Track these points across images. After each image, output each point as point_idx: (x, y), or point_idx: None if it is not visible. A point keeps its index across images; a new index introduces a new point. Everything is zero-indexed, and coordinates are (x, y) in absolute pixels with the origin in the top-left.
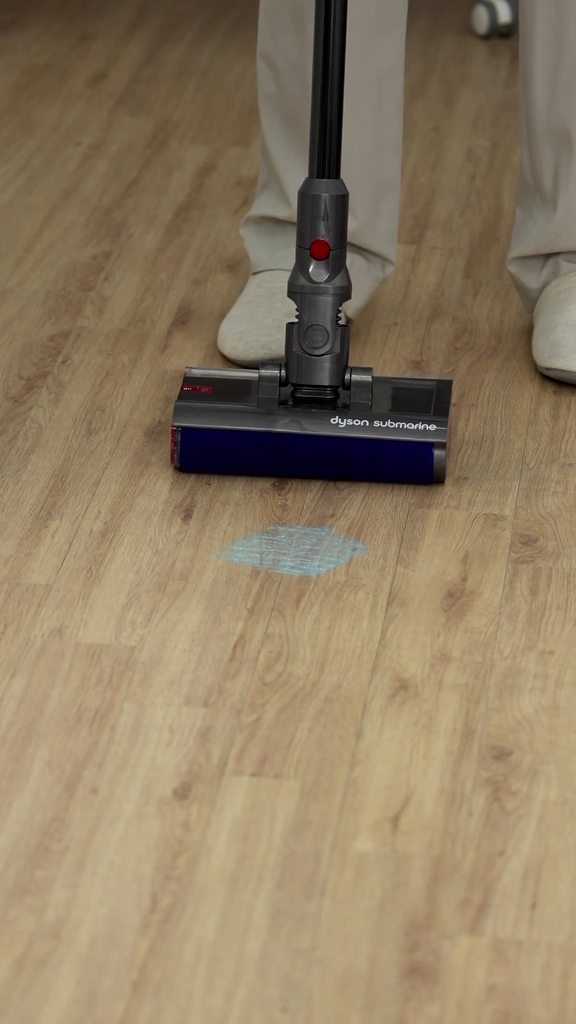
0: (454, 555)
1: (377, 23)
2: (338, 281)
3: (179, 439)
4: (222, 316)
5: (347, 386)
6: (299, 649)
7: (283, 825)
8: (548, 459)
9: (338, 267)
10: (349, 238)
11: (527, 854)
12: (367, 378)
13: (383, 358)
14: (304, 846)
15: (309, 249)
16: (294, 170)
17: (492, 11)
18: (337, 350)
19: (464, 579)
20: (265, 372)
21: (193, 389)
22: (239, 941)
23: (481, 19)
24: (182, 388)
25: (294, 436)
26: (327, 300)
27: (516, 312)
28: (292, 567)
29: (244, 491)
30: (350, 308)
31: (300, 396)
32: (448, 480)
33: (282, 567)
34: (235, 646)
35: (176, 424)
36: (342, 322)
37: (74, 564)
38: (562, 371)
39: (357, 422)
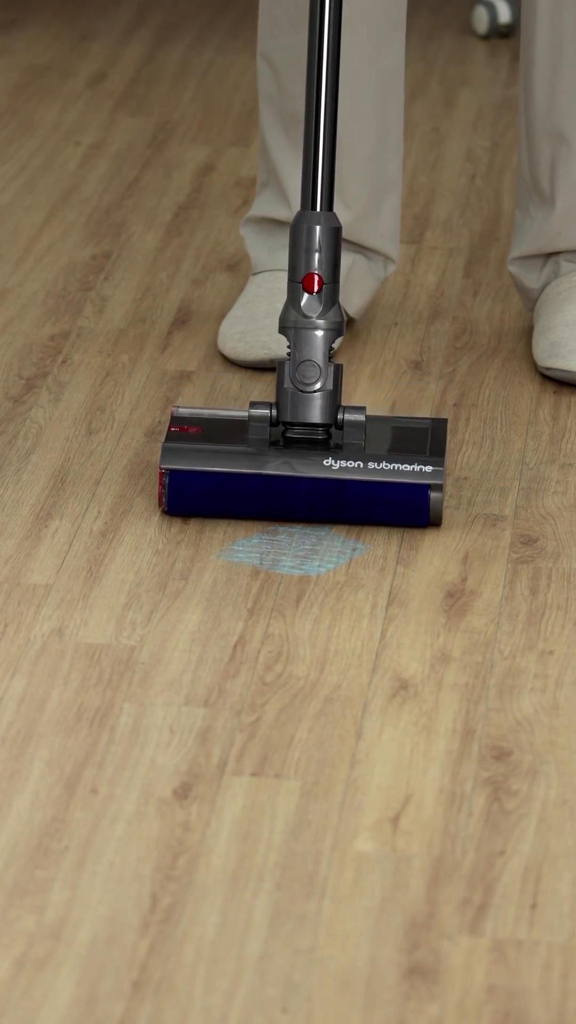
0: (454, 555)
1: (381, 24)
2: (331, 316)
3: (167, 482)
4: (222, 316)
5: (339, 426)
6: (299, 649)
7: (283, 825)
8: (548, 459)
9: (331, 302)
10: (345, 232)
11: (527, 854)
12: (360, 417)
13: (383, 358)
14: (304, 846)
15: (301, 282)
16: (294, 170)
17: (492, 11)
18: (330, 387)
19: (464, 579)
20: (255, 412)
21: (181, 429)
22: (239, 941)
23: (481, 19)
24: (169, 428)
25: (286, 478)
26: (319, 335)
27: (516, 312)
28: (292, 567)
29: None
30: (352, 307)
31: (291, 436)
32: (448, 479)
33: (282, 567)
34: (235, 646)
35: (164, 467)
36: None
37: (74, 564)
38: (562, 371)
39: (351, 463)
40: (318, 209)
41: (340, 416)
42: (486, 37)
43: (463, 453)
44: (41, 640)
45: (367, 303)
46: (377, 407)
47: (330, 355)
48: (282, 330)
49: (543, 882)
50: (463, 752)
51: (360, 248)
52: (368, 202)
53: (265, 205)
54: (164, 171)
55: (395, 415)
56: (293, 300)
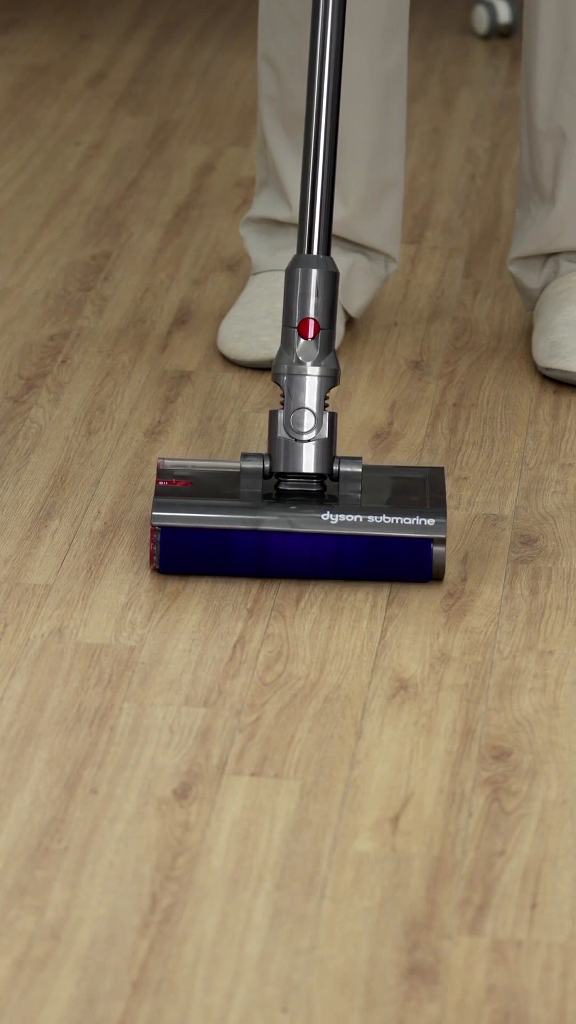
0: (454, 555)
1: (384, 25)
2: (328, 363)
3: (159, 539)
4: (222, 316)
5: (335, 477)
6: (299, 649)
7: (283, 825)
8: (548, 459)
9: (327, 348)
10: (344, 231)
11: (527, 854)
12: (357, 469)
13: (383, 358)
14: (304, 846)
15: (297, 327)
16: (295, 171)
17: (492, 11)
18: (325, 435)
19: (464, 579)
20: (247, 465)
21: (170, 483)
22: (239, 941)
23: (481, 19)
24: (157, 482)
25: (284, 535)
26: (315, 382)
27: (516, 312)
28: None
29: None
30: (353, 307)
31: (285, 488)
32: (448, 480)
33: None
34: (235, 646)
35: (156, 524)
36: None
37: (74, 564)
38: (562, 371)
39: (350, 518)
40: (315, 253)
41: (336, 467)
42: (486, 37)
43: (463, 453)
44: (41, 640)
45: (368, 303)
46: (377, 407)
47: (325, 404)
48: (275, 377)
49: (543, 882)
50: (463, 752)
51: (361, 247)
52: (367, 200)
53: (265, 205)
54: (164, 171)
55: (390, 464)
56: (287, 346)
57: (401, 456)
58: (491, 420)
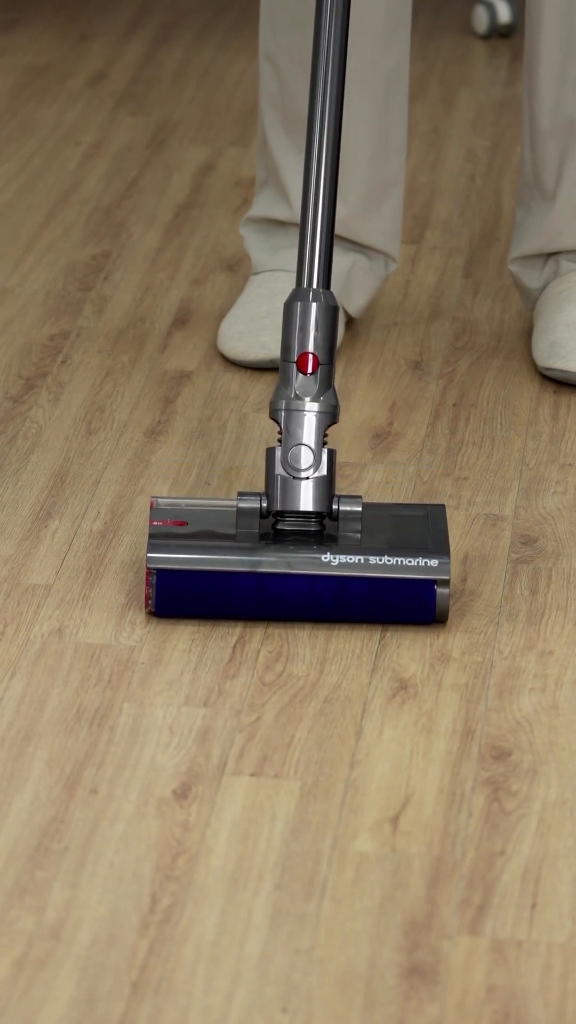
0: (454, 555)
1: (385, 25)
2: (327, 399)
3: (155, 582)
4: (222, 316)
5: (334, 516)
6: (299, 649)
7: (283, 825)
8: (548, 459)
9: (327, 384)
10: (344, 230)
11: (527, 854)
12: (357, 508)
13: (383, 358)
14: (304, 846)
15: (296, 363)
16: (295, 171)
17: (492, 11)
18: (324, 472)
19: (464, 579)
20: (244, 504)
21: (164, 523)
22: (239, 941)
23: (481, 19)
24: (151, 523)
25: (283, 576)
26: (313, 418)
27: (516, 312)
28: None
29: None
30: (353, 307)
31: (282, 527)
32: (448, 480)
33: None
34: (235, 646)
35: (152, 566)
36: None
37: (74, 564)
38: (562, 371)
39: (351, 559)
40: (315, 286)
41: (335, 506)
42: (486, 37)
43: (463, 453)
44: (41, 640)
45: (367, 303)
46: (377, 407)
47: (324, 440)
48: (273, 413)
49: (543, 882)
50: (463, 752)
51: (361, 247)
52: (368, 200)
53: (265, 205)
54: (164, 171)
55: (391, 502)
56: (286, 381)
57: (401, 456)
58: (491, 420)
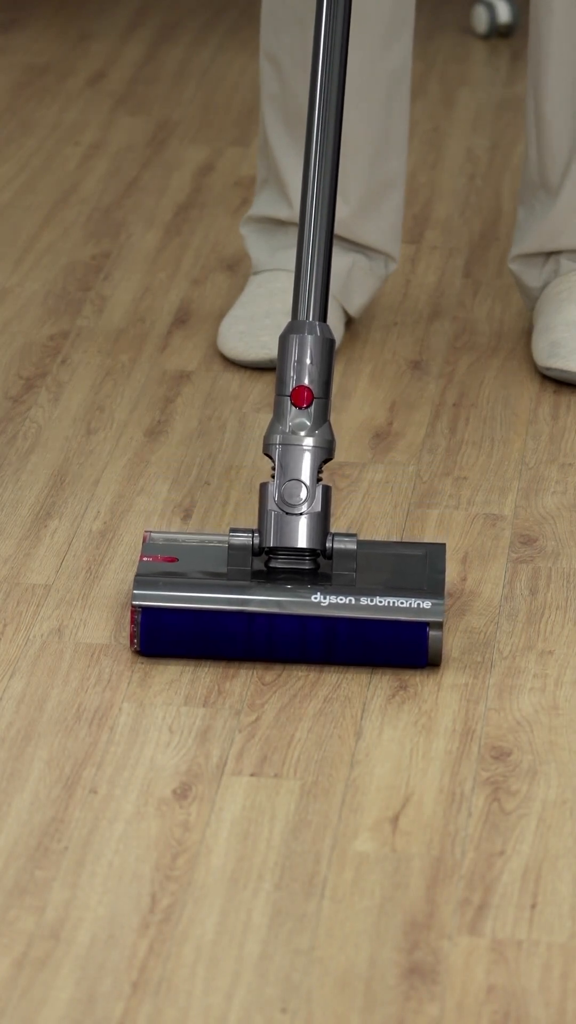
0: (454, 555)
1: (388, 25)
2: (322, 434)
3: (139, 619)
4: (222, 316)
5: (328, 555)
6: None
7: (283, 825)
8: (548, 459)
9: (322, 418)
10: (343, 230)
11: (527, 854)
12: (351, 546)
13: (383, 358)
14: (304, 846)
15: (290, 396)
16: (296, 170)
17: (492, 11)
18: (318, 509)
19: (464, 579)
20: (235, 540)
21: (154, 559)
22: (239, 941)
23: (481, 19)
24: (141, 558)
25: (271, 617)
26: (308, 454)
27: (516, 312)
28: None
29: (243, 490)
30: (353, 307)
31: (275, 565)
32: (448, 479)
33: None
34: None
35: (137, 604)
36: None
37: (74, 564)
38: (562, 371)
39: (342, 599)
40: (311, 319)
41: (329, 544)
42: (486, 37)
43: (463, 453)
44: (40, 640)
45: (367, 302)
46: (377, 407)
47: (319, 475)
48: (267, 448)
49: (543, 882)
50: (463, 752)
51: (361, 247)
52: (368, 199)
53: (265, 204)
54: (164, 171)
55: (388, 540)
56: (279, 415)
57: (401, 456)
58: (491, 420)
